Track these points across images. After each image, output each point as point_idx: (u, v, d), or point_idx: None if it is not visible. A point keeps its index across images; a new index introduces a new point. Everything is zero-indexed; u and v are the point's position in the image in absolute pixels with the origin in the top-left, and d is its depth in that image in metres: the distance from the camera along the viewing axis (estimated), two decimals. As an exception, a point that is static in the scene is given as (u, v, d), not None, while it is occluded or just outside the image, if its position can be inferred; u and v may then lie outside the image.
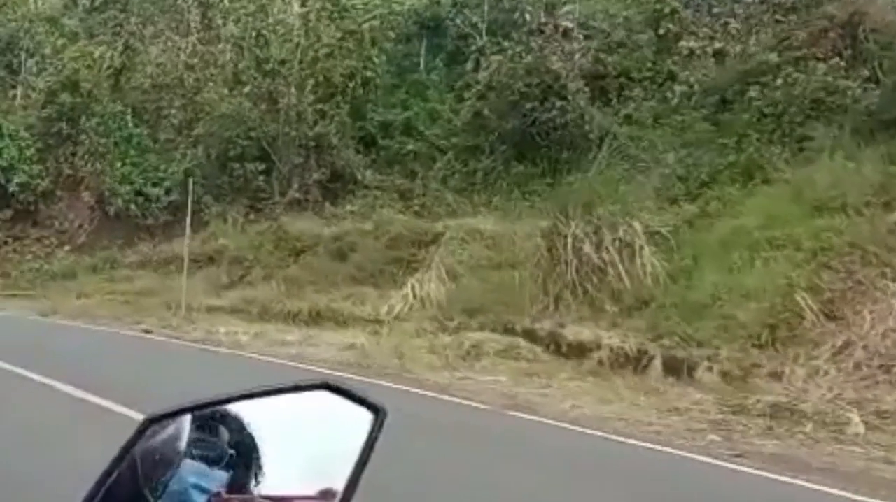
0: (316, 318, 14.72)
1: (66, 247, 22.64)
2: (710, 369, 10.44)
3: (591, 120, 19.82)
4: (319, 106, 21.19)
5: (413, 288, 14.10)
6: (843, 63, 16.41)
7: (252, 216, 21.14)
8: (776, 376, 10.16)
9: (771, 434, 8.72)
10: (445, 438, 8.06)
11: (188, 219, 17.52)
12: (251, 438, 1.33)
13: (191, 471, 1.32)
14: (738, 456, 7.84)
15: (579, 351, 11.67)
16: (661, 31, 21.22)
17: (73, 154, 23.10)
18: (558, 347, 11.95)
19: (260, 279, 17.00)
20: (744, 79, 17.73)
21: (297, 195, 20.97)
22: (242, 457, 1.32)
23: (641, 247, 13.19)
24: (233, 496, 1.29)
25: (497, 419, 9.18)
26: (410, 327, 13.37)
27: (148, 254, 20.10)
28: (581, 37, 21.04)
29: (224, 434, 1.34)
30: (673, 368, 10.76)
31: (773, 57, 17.45)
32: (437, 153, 21.51)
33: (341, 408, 1.31)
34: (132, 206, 21.44)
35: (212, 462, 1.32)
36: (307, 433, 1.36)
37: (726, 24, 20.27)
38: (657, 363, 10.87)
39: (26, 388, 9.12)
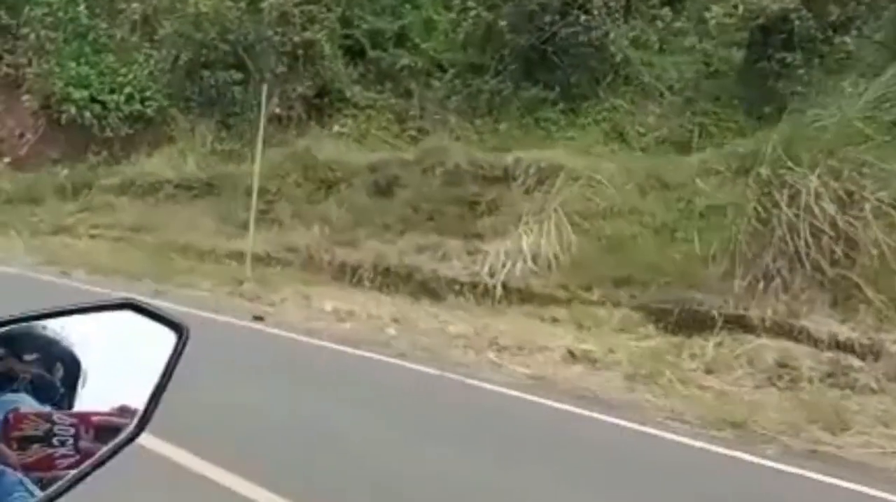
0: (388, 278, 11.76)
1: (6, 159, 19.34)
2: None
3: (616, 40, 17.90)
4: (307, 7, 18.40)
5: (523, 240, 11.10)
6: None
7: (223, 134, 18.41)
8: None
9: None
10: None
11: (261, 127, 13.94)
12: (52, 356, 1.28)
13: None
14: None
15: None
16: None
17: (12, 50, 19.59)
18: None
19: (288, 217, 14.01)
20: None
21: (277, 111, 18.28)
22: (42, 375, 1.27)
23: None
24: (29, 412, 1.23)
25: None
26: (604, 314, 9.82)
27: (130, 177, 16.75)
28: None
29: (24, 352, 1.27)
30: None
31: None
32: (436, 70, 19.14)
33: (146, 328, 1.30)
34: (87, 115, 18.19)
35: (10, 380, 1.24)
36: (110, 352, 1.31)
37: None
38: None
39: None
